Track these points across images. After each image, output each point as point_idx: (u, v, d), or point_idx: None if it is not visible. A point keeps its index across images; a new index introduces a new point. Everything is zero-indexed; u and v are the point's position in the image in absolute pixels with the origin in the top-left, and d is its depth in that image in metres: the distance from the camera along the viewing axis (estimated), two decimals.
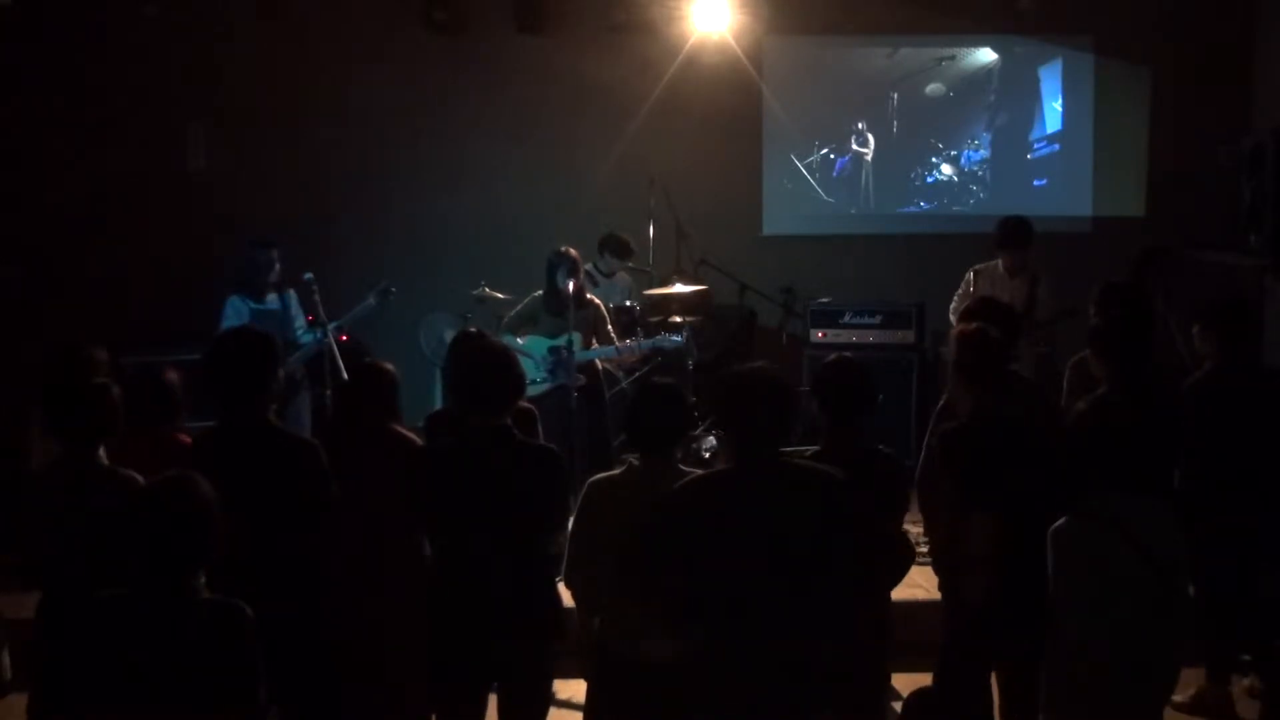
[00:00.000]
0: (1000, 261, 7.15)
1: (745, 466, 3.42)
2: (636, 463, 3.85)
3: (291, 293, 6.90)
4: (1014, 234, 7.11)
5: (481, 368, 4.00)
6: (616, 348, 7.05)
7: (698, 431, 7.19)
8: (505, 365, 4.01)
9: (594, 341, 7.03)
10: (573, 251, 6.97)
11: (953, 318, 7.08)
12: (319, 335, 6.71)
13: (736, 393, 3.46)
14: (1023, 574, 3.94)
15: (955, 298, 7.26)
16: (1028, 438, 4.15)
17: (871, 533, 3.53)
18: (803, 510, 3.36)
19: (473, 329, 5.39)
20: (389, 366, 4.70)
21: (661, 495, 3.46)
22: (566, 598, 4.08)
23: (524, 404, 4.82)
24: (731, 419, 3.49)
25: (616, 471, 3.92)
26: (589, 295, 7.14)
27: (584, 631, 3.96)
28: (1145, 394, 4.56)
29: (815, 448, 4.18)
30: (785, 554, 3.30)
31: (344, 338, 7.11)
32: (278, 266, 6.89)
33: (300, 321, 6.87)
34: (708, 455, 6.48)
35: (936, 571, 4.46)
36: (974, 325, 4.56)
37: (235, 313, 6.78)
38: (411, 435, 4.60)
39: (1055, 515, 3.67)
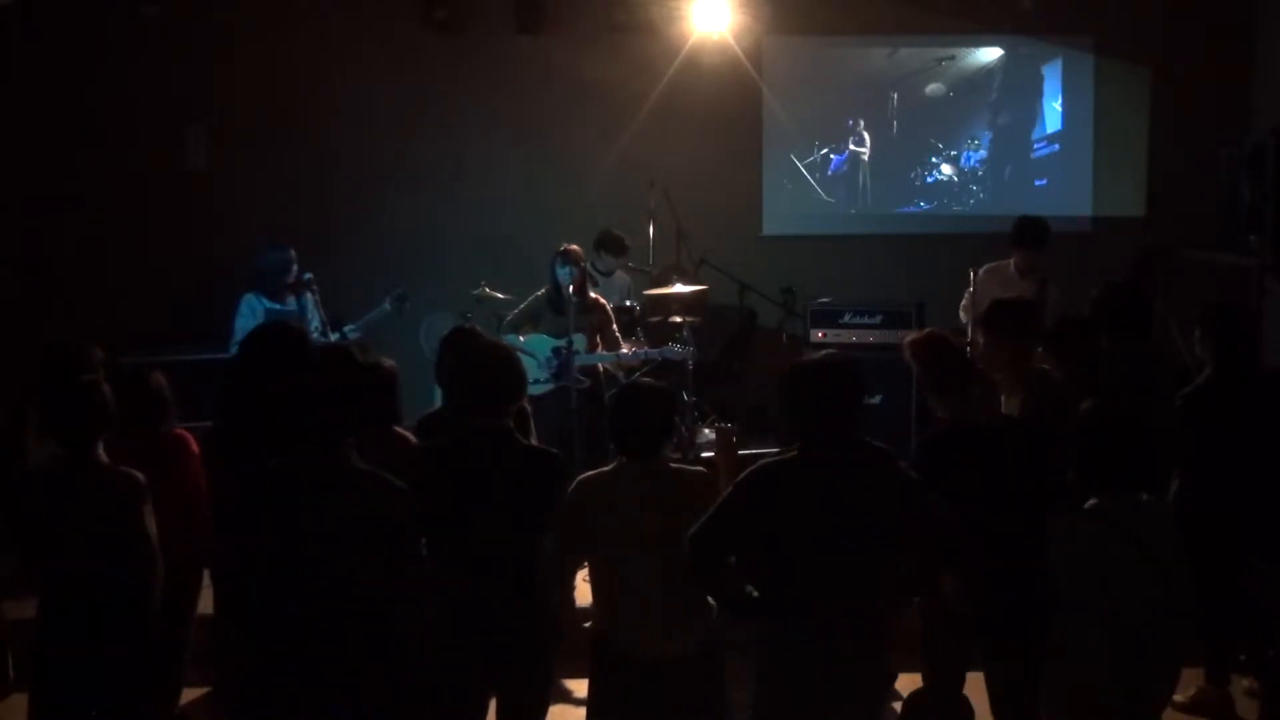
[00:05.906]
0: (1012, 261, 7.13)
1: (813, 449, 3.53)
2: (626, 460, 3.85)
3: (309, 295, 6.91)
4: (1029, 234, 7.08)
5: (480, 368, 4.00)
6: (619, 354, 7.01)
7: (687, 428, 7.15)
8: (505, 365, 4.01)
9: (599, 342, 7.00)
10: (575, 248, 6.94)
11: (963, 315, 7.08)
12: (318, 335, 6.73)
13: (804, 379, 3.60)
14: (1006, 573, 3.93)
15: (965, 294, 7.21)
16: (1007, 439, 4.13)
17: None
18: (874, 489, 3.51)
19: (468, 325, 5.35)
20: (391, 364, 4.69)
21: (738, 480, 3.58)
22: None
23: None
24: (798, 404, 3.61)
25: (606, 469, 3.91)
26: (594, 295, 7.12)
27: (580, 629, 3.96)
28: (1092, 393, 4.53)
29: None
30: (857, 533, 3.45)
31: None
32: (294, 268, 6.92)
33: (316, 323, 6.88)
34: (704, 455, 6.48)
35: None
36: (924, 333, 4.52)
37: (250, 310, 6.79)
38: (411, 436, 4.58)
39: (1038, 512, 3.70)
